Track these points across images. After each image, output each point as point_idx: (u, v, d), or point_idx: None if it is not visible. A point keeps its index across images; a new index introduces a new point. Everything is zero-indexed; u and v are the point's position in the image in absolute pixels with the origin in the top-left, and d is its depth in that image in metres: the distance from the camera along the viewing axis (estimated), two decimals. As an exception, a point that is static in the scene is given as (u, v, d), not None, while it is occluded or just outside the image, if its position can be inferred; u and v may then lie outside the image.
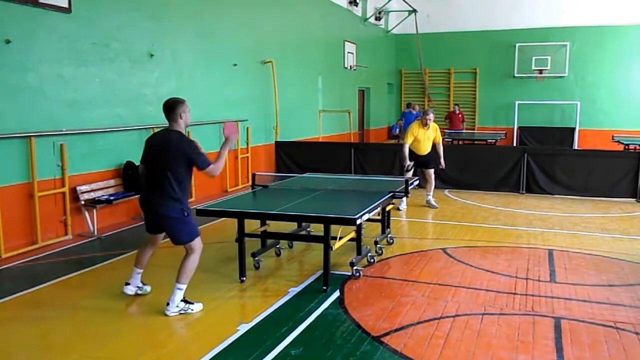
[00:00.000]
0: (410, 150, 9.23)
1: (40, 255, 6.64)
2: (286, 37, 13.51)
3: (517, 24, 20.72)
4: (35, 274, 5.92)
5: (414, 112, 17.54)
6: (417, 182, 7.61)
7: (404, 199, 8.76)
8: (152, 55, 8.88)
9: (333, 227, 5.37)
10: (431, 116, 9.20)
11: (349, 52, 17.81)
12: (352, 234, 5.85)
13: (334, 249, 5.39)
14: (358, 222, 5.10)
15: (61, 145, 7.27)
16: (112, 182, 8.11)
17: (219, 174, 5.06)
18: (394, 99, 23.27)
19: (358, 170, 11.82)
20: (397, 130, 20.16)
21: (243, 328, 4.45)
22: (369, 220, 5.94)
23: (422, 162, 9.33)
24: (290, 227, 6.76)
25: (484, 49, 21.44)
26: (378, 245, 6.52)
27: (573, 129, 19.82)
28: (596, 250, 6.81)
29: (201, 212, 5.57)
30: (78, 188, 7.55)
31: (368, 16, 19.64)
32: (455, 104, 20.37)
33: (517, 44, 20.78)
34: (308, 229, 6.95)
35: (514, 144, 19.62)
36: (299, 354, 4.01)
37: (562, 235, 7.54)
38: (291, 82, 13.65)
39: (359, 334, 4.34)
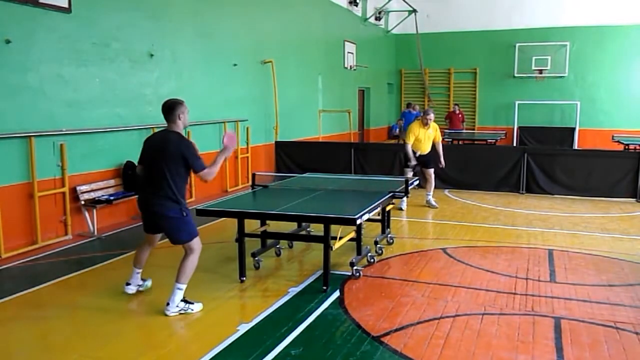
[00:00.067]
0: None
1: (40, 255, 6.64)
2: (286, 37, 13.52)
3: (517, 24, 20.72)
4: (35, 274, 5.91)
5: (414, 112, 17.53)
6: (417, 182, 7.61)
7: (405, 198, 8.76)
8: (152, 55, 8.88)
9: (333, 227, 5.37)
10: (432, 116, 9.21)
11: (349, 52, 17.81)
12: (352, 234, 5.85)
13: (334, 249, 5.39)
14: (358, 222, 5.09)
15: (61, 145, 7.28)
16: (112, 182, 8.11)
17: (216, 176, 5.07)
18: (394, 99, 23.27)
19: (358, 170, 11.82)
20: (397, 130, 20.16)
21: (243, 328, 4.45)
22: (369, 220, 5.94)
23: (422, 162, 9.33)
24: (290, 227, 6.76)
25: (484, 49, 21.44)
26: (378, 245, 6.52)
27: (573, 129, 19.82)
28: (596, 250, 6.81)
29: (201, 212, 5.57)
30: (78, 188, 7.55)
31: (368, 16, 19.64)
32: (455, 104, 20.37)
33: (517, 44, 20.78)
34: (308, 229, 6.95)
35: (514, 144, 19.62)
36: (299, 354, 4.01)
37: (562, 235, 7.54)
38: (291, 82, 13.65)
39: (359, 334, 4.34)
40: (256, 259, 5.99)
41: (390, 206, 6.93)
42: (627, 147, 14.56)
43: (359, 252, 5.90)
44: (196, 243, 4.81)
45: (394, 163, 11.39)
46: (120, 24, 8.23)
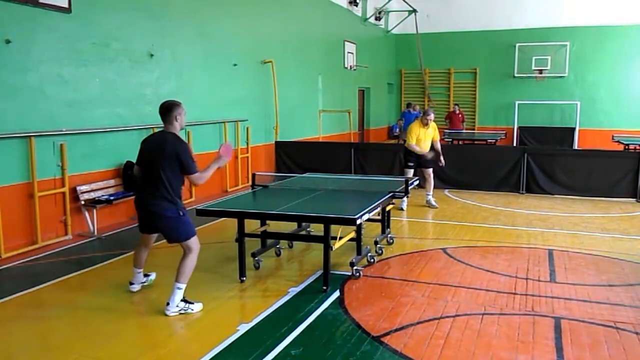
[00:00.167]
0: (409, 150, 9.26)
1: (40, 255, 6.64)
2: (286, 37, 13.51)
3: (517, 24, 20.72)
4: (35, 274, 5.91)
5: (414, 112, 17.54)
6: (417, 182, 7.62)
7: (405, 198, 8.76)
8: (152, 55, 8.88)
9: (333, 227, 5.37)
10: (432, 116, 9.21)
11: (349, 52, 17.81)
12: (352, 234, 5.85)
13: (334, 249, 5.39)
14: (358, 222, 5.09)
15: (61, 145, 7.28)
16: (112, 182, 8.11)
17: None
18: (394, 99, 23.27)
19: (358, 170, 11.82)
20: (397, 130, 20.17)
21: (243, 328, 4.45)
22: (369, 220, 5.94)
23: (421, 162, 9.34)
24: (290, 227, 6.76)
25: (484, 49, 21.44)
26: (378, 245, 6.52)
27: (573, 129, 19.82)
28: (596, 250, 6.81)
29: (201, 212, 5.57)
30: (78, 188, 7.55)
31: (368, 16, 19.64)
32: (455, 104, 20.38)
33: (517, 44, 20.78)
34: (308, 229, 6.95)
35: (514, 144, 19.62)
36: (299, 354, 4.01)
37: (562, 235, 7.54)
38: (291, 82, 13.65)
39: (359, 334, 4.34)
40: (256, 259, 5.99)
41: (390, 206, 6.93)
42: (627, 147, 14.55)
43: (359, 252, 5.90)
44: (194, 242, 4.82)
45: (394, 163, 11.39)
46: (120, 24, 8.23)
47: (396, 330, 4.40)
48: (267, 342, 4.18)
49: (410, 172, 9.18)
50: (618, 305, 4.96)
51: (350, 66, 17.98)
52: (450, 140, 17.05)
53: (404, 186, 6.30)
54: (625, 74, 19.96)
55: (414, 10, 20.83)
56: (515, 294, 5.25)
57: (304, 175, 8.13)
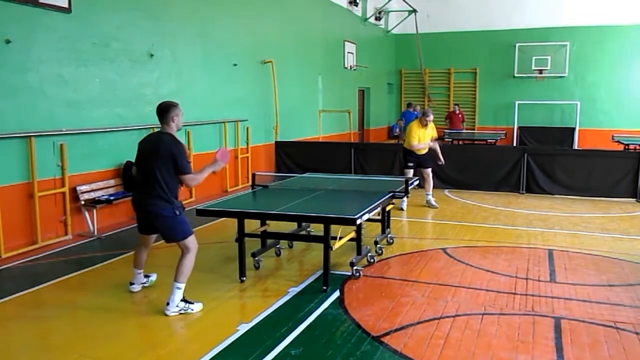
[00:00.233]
0: (408, 151, 9.26)
1: (40, 255, 6.64)
2: (286, 37, 13.51)
3: (517, 24, 20.72)
4: (35, 274, 5.91)
5: (415, 112, 17.52)
6: (417, 182, 7.62)
7: (405, 198, 8.77)
8: (152, 55, 8.88)
9: (333, 227, 5.37)
10: (431, 117, 9.22)
11: (349, 52, 17.81)
12: (352, 234, 5.85)
13: (334, 249, 5.39)
14: (358, 222, 5.09)
15: (61, 145, 7.28)
16: (112, 182, 8.11)
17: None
18: (394, 99, 23.27)
19: (358, 170, 11.82)
20: (398, 130, 20.16)
21: (243, 328, 4.45)
22: (369, 220, 5.94)
23: (419, 162, 9.34)
24: (290, 227, 6.76)
25: (484, 49, 21.44)
26: (378, 245, 6.52)
27: (573, 129, 19.82)
28: (596, 250, 6.81)
29: (201, 212, 5.57)
30: (78, 188, 7.55)
31: (368, 16, 19.64)
32: (455, 104, 20.37)
33: (517, 44, 20.78)
34: (308, 229, 6.95)
35: (514, 144, 19.62)
36: (299, 354, 4.01)
37: (562, 235, 7.54)
38: (291, 82, 13.65)
39: (359, 334, 4.34)
40: (256, 259, 5.99)
41: (390, 206, 6.93)
42: (627, 147, 14.55)
43: (359, 252, 5.90)
44: (191, 242, 4.83)
45: (394, 163, 11.39)
46: (120, 24, 8.23)
47: (396, 330, 4.40)
48: (267, 342, 4.18)
49: (410, 173, 9.19)
50: (618, 305, 4.96)
51: (350, 66, 17.98)
52: (450, 140, 17.05)
53: (404, 186, 6.30)
54: (625, 74, 19.97)
55: (414, 10, 20.83)
56: (515, 294, 5.25)
57: (304, 175, 8.13)
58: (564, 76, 20.49)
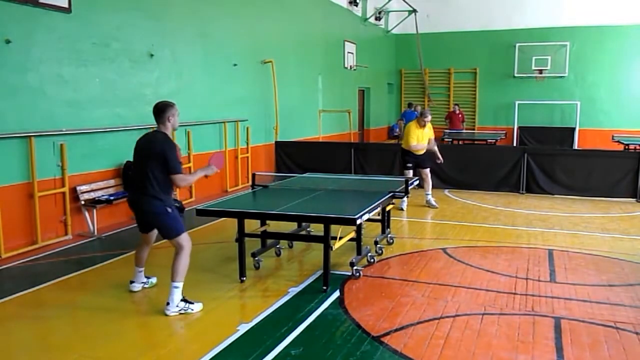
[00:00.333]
0: (407, 151, 9.26)
1: (40, 255, 6.64)
2: (286, 37, 13.51)
3: (517, 24, 20.72)
4: (35, 274, 5.91)
5: (415, 112, 17.50)
6: (417, 182, 7.62)
7: (405, 198, 8.77)
8: (152, 55, 8.88)
9: (333, 227, 5.37)
10: (429, 117, 9.23)
11: (349, 52, 17.81)
12: (352, 234, 5.85)
13: (334, 249, 5.39)
14: (358, 222, 5.09)
15: (61, 145, 7.28)
16: (112, 182, 8.11)
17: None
18: (394, 99, 23.27)
19: (358, 170, 11.82)
20: (398, 129, 20.15)
21: (243, 328, 4.45)
22: (369, 220, 5.94)
23: (418, 162, 9.33)
24: (290, 227, 6.76)
25: (484, 49, 21.44)
26: (378, 245, 6.52)
27: (573, 129, 19.82)
28: (596, 250, 6.81)
29: (201, 212, 5.57)
30: (78, 188, 7.55)
31: (368, 16, 19.64)
32: (455, 104, 20.36)
33: (517, 44, 20.78)
34: (308, 229, 6.95)
35: (514, 144, 19.61)
36: (299, 354, 4.01)
37: (562, 235, 7.54)
38: (291, 82, 13.65)
39: (359, 334, 4.34)
40: (256, 259, 5.99)
41: (390, 206, 6.93)
42: (627, 147, 14.55)
43: (359, 252, 5.90)
44: (184, 239, 4.85)
45: (394, 163, 11.38)
46: (120, 24, 8.23)
47: (396, 330, 4.40)
48: (267, 342, 4.18)
49: (410, 173, 9.18)
50: (618, 305, 4.96)
51: (350, 66, 17.97)
52: (450, 140, 17.04)
53: (404, 186, 6.30)
54: (625, 74, 19.96)
55: (414, 10, 20.83)
56: (515, 294, 5.25)
57: (304, 175, 8.13)
58: (564, 76, 20.49)
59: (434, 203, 9.41)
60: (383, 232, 6.80)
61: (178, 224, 4.85)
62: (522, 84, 21.11)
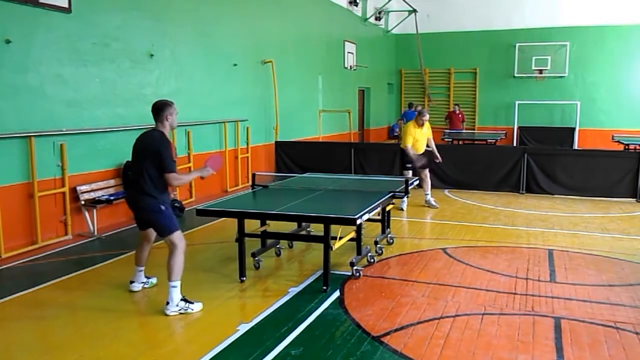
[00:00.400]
0: (405, 152, 9.24)
1: (40, 255, 6.64)
2: (286, 37, 13.51)
3: (517, 24, 20.71)
4: (35, 274, 5.92)
5: (416, 113, 17.50)
6: (417, 182, 7.61)
7: (405, 198, 8.76)
8: (152, 55, 8.88)
9: (333, 227, 5.37)
10: (427, 117, 9.23)
11: (349, 52, 17.81)
12: (352, 234, 5.85)
13: (334, 249, 5.39)
14: (358, 222, 5.09)
15: (61, 145, 7.28)
16: (112, 182, 8.11)
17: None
18: (394, 99, 23.26)
19: (358, 170, 11.82)
20: (398, 129, 20.14)
21: (243, 328, 4.45)
22: (369, 220, 5.93)
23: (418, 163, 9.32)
24: (290, 227, 6.76)
25: (484, 49, 21.43)
26: (378, 245, 6.52)
27: (573, 129, 19.82)
28: (596, 250, 6.81)
29: (201, 212, 5.57)
30: (78, 188, 7.55)
31: (368, 16, 19.64)
32: (456, 104, 20.36)
33: (517, 44, 20.77)
34: (308, 229, 6.95)
35: (514, 144, 19.61)
36: (299, 354, 4.01)
37: (562, 235, 7.54)
38: (291, 82, 13.65)
39: (359, 334, 4.34)
40: (256, 259, 5.99)
41: (390, 206, 6.93)
42: (627, 147, 14.55)
43: (359, 252, 5.90)
44: (177, 238, 4.85)
45: (394, 163, 11.38)
46: (120, 24, 8.23)
47: (396, 330, 4.40)
48: (267, 342, 4.18)
49: (409, 173, 9.16)
50: (618, 305, 4.96)
51: (350, 66, 17.97)
52: (450, 140, 17.04)
53: (404, 186, 6.30)
54: (625, 74, 19.96)
55: (414, 10, 20.82)
56: (515, 294, 5.25)
57: (304, 175, 8.13)
58: (564, 76, 20.49)
59: (433, 203, 9.41)
60: (383, 232, 6.80)
61: (171, 222, 4.87)
62: (522, 84, 21.11)
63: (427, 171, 9.45)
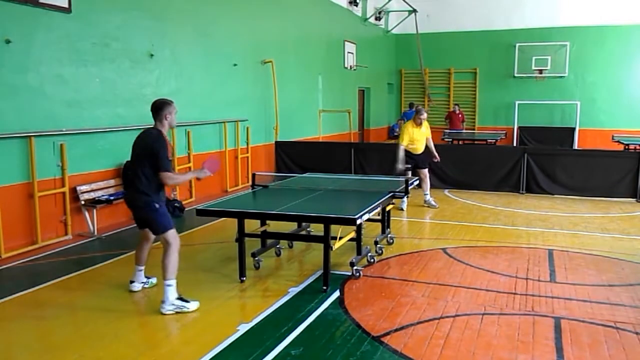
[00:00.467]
0: (406, 151, 9.23)
1: (40, 255, 6.64)
2: (286, 37, 13.51)
3: (517, 24, 20.71)
4: (35, 274, 5.92)
5: (415, 112, 17.50)
6: (417, 182, 7.61)
7: (405, 198, 8.76)
8: (152, 55, 8.88)
9: (333, 227, 5.37)
10: (424, 115, 9.21)
11: (349, 52, 17.81)
12: (352, 234, 5.85)
13: (334, 249, 5.39)
14: (358, 222, 5.09)
15: (61, 145, 7.28)
16: (112, 182, 8.11)
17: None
18: (394, 99, 23.26)
19: (358, 170, 11.82)
20: (399, 129, 20.13)
21: (243, 328, 4.45)
22: (369, 220, 5.93)
23: (416, 163, 9.31)
24: (290, 227, 6.76)
25: (484, 49, 21.43)
26: (378, 245, 6.52)
27: (573, 129, 19.81)
28: (596, 250, 6.81)
29: (201, 212, 5.57)
30: (78, 188, 7.55)
31: (368, 16, 19.64)
32: (456, 104, 20.36)
33: (517, 44, 20.77)
34: (308, 229, 6.95)
35: (514, 144, 19.61)
36: (299, 354, 4.01)
37: (562, 235, 7.54)
38: (291, 82, 13.65)
39: (359, 334, 4.34)
40: (256, 259, 5.99)
41: (390, 206, 6.93)
42: (627, 147, 14.55)
43: (359, 252, 5.90)
44: (171, 236, 4.87)
45: (394, 163, 11.35)
46: (120, 24, 8.23)
47: (396, 330, 4.40)
48: (267, 342, 4.18)
49: (408, 174, 9.15)
50: (618, 305, 4.96)
51: (350, 66, 17.97)
52: (450, 140, 17.04)
53: (404, 186, 6.30)
54: (625, 74, 19.95)
55: (414, 10, 20.82)
56: (515, 294, 5.25)
57: (304, 175, 8.13)
58: (564, 76, 20.48)
59: (433, 203, 9.41)
60: (383, 232, 6.80)
61: (165, 220, 4.88)
62: (522, 84, 21.11)
63: (426, 171, 9.44)
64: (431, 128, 9.68)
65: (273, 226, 6.30)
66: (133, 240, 6.97)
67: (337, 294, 5.21)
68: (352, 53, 18.08)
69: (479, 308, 4.88)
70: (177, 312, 4.73)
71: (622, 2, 19.42)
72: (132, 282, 5.33)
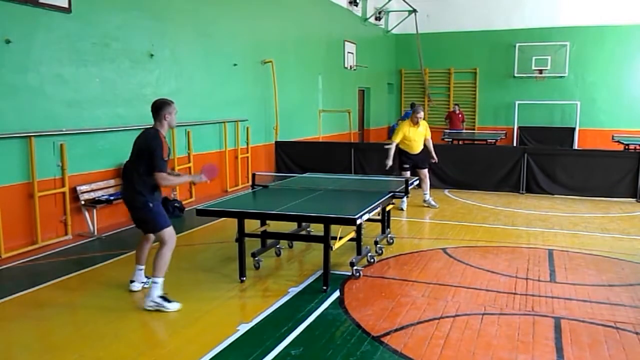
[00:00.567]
0: (403, 151, 9.22)
1: (40, 255, 6.64)
2: (286, 37, 13.51)
3: (517, 24, 20.70)
4: (35, 274, 5.92)
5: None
6: (417, 182, 7.61)
7: (405, 198, 8.76)
8: (152, 55, 8.88)
9: (333, 227, 5.37)
10: (421, 114, 9.19)
11: (349, 52, 17.81)
12: (352, 234, 5.85)
13: (334, 249, 5.39)
14: (358, 222, 5.09)
15: (61, 145, 7.28)
16: (112, 182, 8.11)
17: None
18: (394, 99, 23.26)
19: (358, 170, 11.82)
20: (397, 129, 20.13)
21: (243, 328, 4.45)
22: (369, 220, 5.93)
23: (414, 163, 9.31)
24: (290, 227, 6.76)
25: (484, 49, 21.42)
26: (378, 245, 6.52)
27: (573, 129, 19.81)
28: (596, 250, 6.81)
29: (201, 212, 5.57)
30: (78, 188, 7.55)
31: (368, 16, 19.64)
32: (456, 104, 20.36)
33: (517, 44, 20.77)
34: (308, 229, 6.95)
35: (514, 144, 19.61)
36: (299, 354, 4.01)
37: (562, 235, 7.54)
38: (291, 82, 13.65)
39: (359, 334, 4.34)
40: (256, 259, 5.99)
41: (390, 206, 6.93)
42: (627, 147, 14.54)
43: (359, 252, 5.90)
44: (168, 234, 4.88)
45: (393, 163, 11.36)
46: (120, 24, 8.23)
47: (396, 330, 4.40)
48: (267, 342, 4.18)
49: (407, 174, 9.15)
50: (618, 305, 4.96)
51: (350, 66, 17.97)
52: (450, 140, 17.04)
53: (404, 186, 6.30)
54: (625, 74, 19.95)
55: (414, 10, 20.82)
56: (515, 294, 5.25)
57: (304, 175, 8.13)
58: (564, 76, 20.48)
59: (433, 203, 9.41)
60: (383, 232, 6.80)
61: (161, 218, 4.89)
62: (522, 84, 21.10)
63: (425, 171, 9.44)
64: (431, 128, 9.66)
65: (273, 226, 6.30)
66: (133, 240, 6.97)
67: (337, 294, 5.21)
68: (352, 53, 18.08)
69: (479, 308, 4.88)
70: (156, 310, 4.75)
71: (622, 2, 19.42)
72: (132, 281, 5.33)
